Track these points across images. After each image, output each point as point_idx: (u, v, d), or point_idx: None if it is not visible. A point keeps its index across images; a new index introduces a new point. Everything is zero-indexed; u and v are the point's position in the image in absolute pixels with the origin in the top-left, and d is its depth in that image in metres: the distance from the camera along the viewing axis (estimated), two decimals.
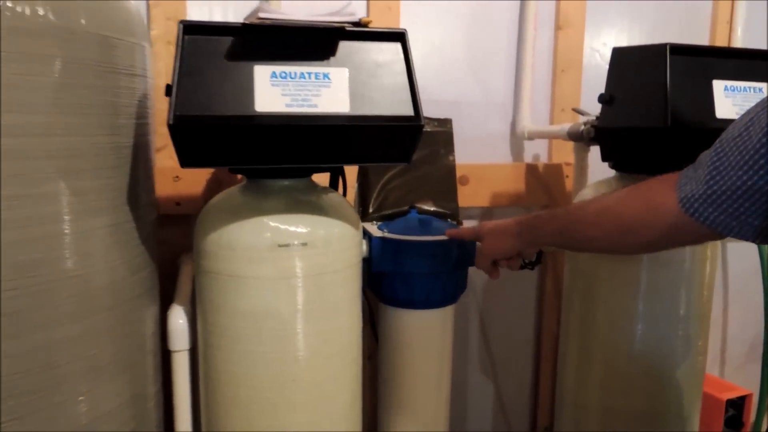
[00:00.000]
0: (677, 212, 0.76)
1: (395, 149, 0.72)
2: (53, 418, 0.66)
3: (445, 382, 1.16)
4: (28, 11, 0.61)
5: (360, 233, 0.86)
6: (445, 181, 1.25)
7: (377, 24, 0.72)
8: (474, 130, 1.33)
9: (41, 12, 0.62)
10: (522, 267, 1.15)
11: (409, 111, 0.70)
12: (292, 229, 0.77)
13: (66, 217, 0.65)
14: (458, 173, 1.27)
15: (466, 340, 1.40)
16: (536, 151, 1.38)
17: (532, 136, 1.31)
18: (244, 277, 0.77)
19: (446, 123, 1.28)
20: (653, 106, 0.80)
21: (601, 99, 0.91)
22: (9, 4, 0.59)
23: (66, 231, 0.65)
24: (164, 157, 1.11)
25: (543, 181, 1.34)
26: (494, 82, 1.33)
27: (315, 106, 0.68)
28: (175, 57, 0.63)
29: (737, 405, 1.31)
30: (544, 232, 0.92)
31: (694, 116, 0.80)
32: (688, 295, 0.95)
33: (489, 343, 1.42)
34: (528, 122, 1.31)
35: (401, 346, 1.12)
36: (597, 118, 1.03)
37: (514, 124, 1.34)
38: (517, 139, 1.35)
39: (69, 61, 0.64)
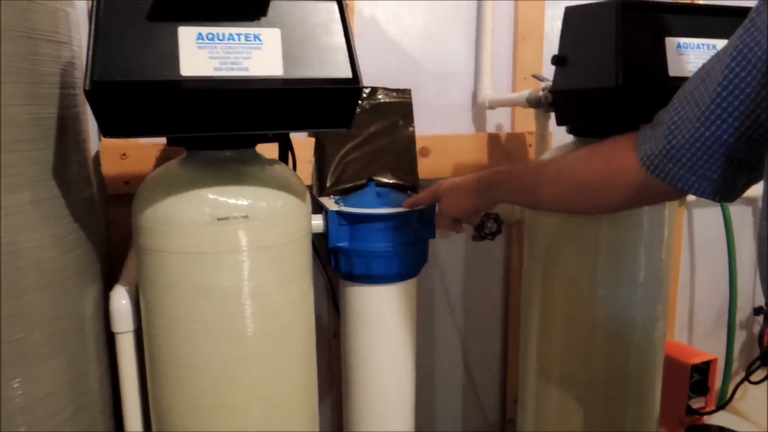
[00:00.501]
0: (638, 171, 0.75)
1: (334, 113, 0.69)
2: None
3: (409, 357, 1.14)
4: None
5: (308, 206, 0.83)
6: (404, 153, 1.22)
7: None
8: (434, 100, 1.30)
9: None
10: (483, 237, 1.14)
11: (347, 73, 0.67)
12: (232, 201, 0.74)
13: None
14: (418, 145, 1.24)
15: (432, 315, 1.39)
16: (499, 121, 1.36)
17: (493, 105, 1.28)
18: (183, 253, 0.74)
19: (405, 93, 1.25)
20: (604, 65, 0.77)
21: (554, 60, 0.88)
22: None
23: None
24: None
25: (505, 151, 1.31)
26: (454, 51, 1.30)
27: (246, 69, 0.64)
28: (91, 17, 0.59)
29: (702, 370, 1.31)
30: (502, 189, 0.91)
31: (647, 75, 0.78)
32: (647, 258, 0.94)
33: (456, 318, 1.40)
34: (489, 91, 1.28)
35: (363, 323, 1.10)
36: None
37: (475, 94, 1.32)
38: (478, 109, 1.33)
39: None
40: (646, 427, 1.01)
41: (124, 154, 1.08)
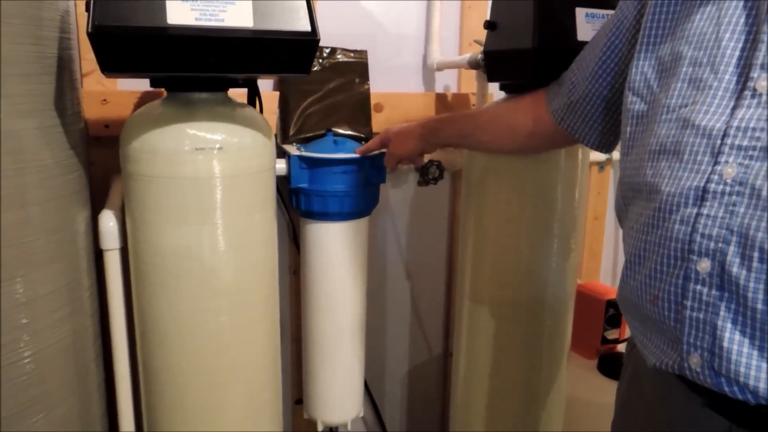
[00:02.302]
0: (551, 121, 0.92)
1: (294, 61, 0.82)
2: None
3: (361, 287, 1.30)
4: None
5: (272, 143, 0.97)
6: (360, 108, 1.36)
7: None
8: (389, 61, 1.44)
9: None
10: (427, 182, 1.29)
11: (306, 27, 0.80)
12: (209, 135, 0.87)
13: None
14: (373, 101, 1.38)
15: (385, 255, 1.54)
16: (447, 82, 1.50)
17: (441, 67, 1.42)
18: (167, 177, 0.87)
19: (362, 54, 1.38)
20: (524, 30, 0.92)
21: (485, 25, 1.03)
22: None
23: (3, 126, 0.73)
24: (92, 82, 1.18)
25: (451, 109, 1.46)
26: (408, 17, 1.43)
27: (222, 20, 0.77)
28: None
29: (616, 306, 1.50)
30: (444, 134, 1.06)
31: (559, 39, 0.93)
32: (563, 196, 1.11)
33: (405, 258, 1.56)
34: (437, 54, 1.42)
35: (320, 256, 1.25)
36: None
37: (425, 57, 1.46)
38: (428, 71, 1.47)
39: None
40: (559, 342, 1.20)
41: (105, 100, 1.19)
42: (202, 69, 0.79)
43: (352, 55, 1.38)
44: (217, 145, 0.87)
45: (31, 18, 0.76)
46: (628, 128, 0.69)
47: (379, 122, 1.39)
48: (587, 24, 0.95)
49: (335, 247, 1.24)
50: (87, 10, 0.74)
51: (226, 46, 0.78)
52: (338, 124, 1.33)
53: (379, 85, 1.41)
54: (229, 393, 0.95)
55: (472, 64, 1.25)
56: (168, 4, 0.75)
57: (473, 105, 1.47)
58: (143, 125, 0.87)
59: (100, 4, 0.72)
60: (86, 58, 1.14)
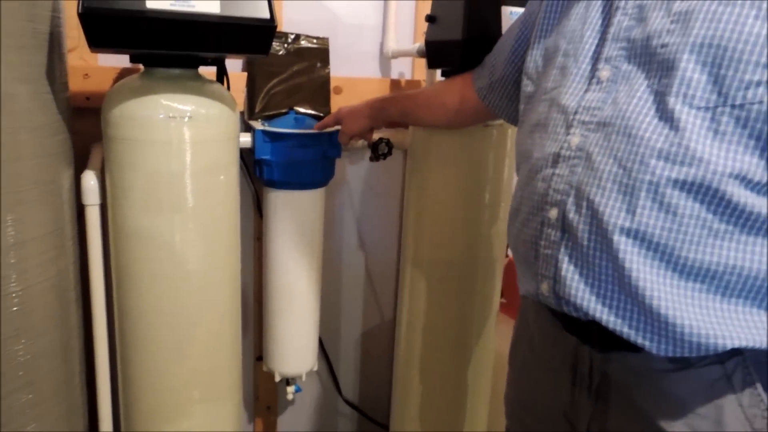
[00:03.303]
0: (475, 99, 1.07)
1: (255, 44, 0.96)
2: None
3: (317, 250, 1.44)
4: None
5: (236, 115, 1.11)
6: (320, 90, 1.50)
7: None
8: (349, 48, 1.58)
9: None
10: (377, 158, 1.44)
11: (265, 15, 0.94)
12: (180, 106, 1.01)
13: None
14: (333, 84, 1.52)
15: (342, 225, 1.69)
16: (402, 69, 1.65)
17: (395, 55, 1.57)
18: (143, 140, 1.00)
19: (324, 41, 1.52)
20: (456, 23, 1.08)
21: (426, 18, 1.18)
22: None
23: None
24: (75, 57, 1.30)
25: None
26: (367, 8, 1.57)
27: (193, 6, 0.91)
28: None
29: None
30: (388, 113, 1.22)
31: (485, 32, 1.09)
32: (493, 169, 1.27)
33: (360, 228, 1.71)
34: (393, 44, 1.57)
35: (279, 221, 1.40)
36: None
37: (382, 45, 1.60)
38: (384, 58, 1.61)
39: None
40: (488, 300, 1.36)
41: (87, 75, 1.31)
42: (174, 47, 0.93)
43: (314, 41, 1.52)
44: (188, 115, 1.01)
45: (32, 5, 0.89)
46: (522, 106, 0.84)
47: (338, 103, 1.53)
48: (511, 19, 1.11)
49: (293, 213, 1.38)
50: None
51: (196, 29, 0.91)
52: (300, 104, 1.47)
53: (339, 69, 1.55)
54: (192, 331, 1.10)
55: (421, 54, 1.40)
56: None
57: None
58: (123, 95, 1.01)
59: None
60: (70, 35, 1.26)
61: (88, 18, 0.85)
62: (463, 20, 1.06)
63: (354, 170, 1.67)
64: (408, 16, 1.62)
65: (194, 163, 1.03)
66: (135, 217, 1.04)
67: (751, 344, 0.64)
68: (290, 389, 1.56)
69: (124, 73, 1.33)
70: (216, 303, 1.12)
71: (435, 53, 1.20)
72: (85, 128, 1.32)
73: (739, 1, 0.60)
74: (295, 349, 1.48)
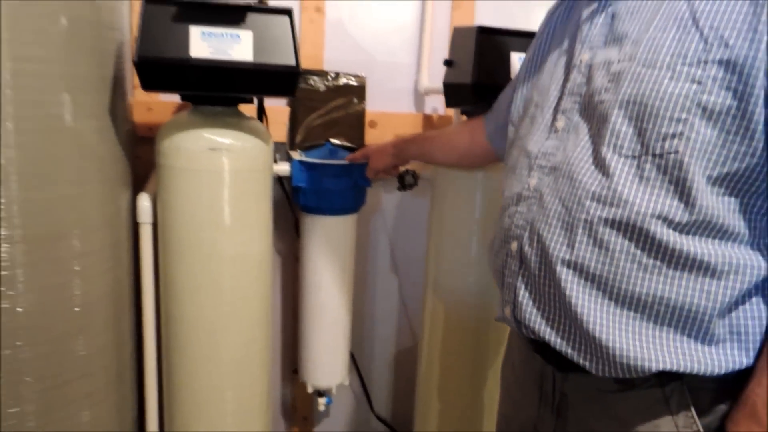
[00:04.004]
0: (485, 143, 1.17)
1: (283, 86, 1.11)
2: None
3: (348, 271, 1.56)
4: None
5: (270, 148, 1.25)
6: (356, 124, 1.64)
7: None
8: (385, 85, 1.71)
9: None
10: (404, 188, 1.56)
11: (292, 62, 1.08)
12: (220, 139, 1.16)
13: (68, 116, 1.03)
14: (369, 119, 1.66)
15: (376, 249, 1.81)
16: (435, 105, 1.77)
17: (428, 92, 1.69)
18: (188, 169, 1.16)
19: (361, 78, 1.66)
20: (467, 68, 1.19)
21: (445, 63, 1.29)
22: None
23: (68, 126, 1.03)
24: (141, 93, 1.50)
25: (435, 128, 1.72)
26: (401, 48, 1.71)
27: (229, 55, 1.06)
28: (139, 18, 1.01)
29: None
30: (409, 152, 1.33)
31: (493, 77, 1.19)
32: None
33: (393, 251, 1.82)
34: (426, 81, 1.69)
35: (314, 243, 1.53)
36: None
37: (416, 83, 1.73)
38: (418, 94, 1.73)
39: (71, 18, 1.02)
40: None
41: (150, 108, 1.50)
42: (213, 89, 1.08)
43: (353, 78, 1.66)
44: (226, 147, 1.16)
45: (97, 49, 1.07)
46: (506, 150, 0.94)
47: (373, 136, 1.66)
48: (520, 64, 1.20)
49: (326, 236, 1.51)
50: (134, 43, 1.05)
51: (232, 74, 1.07)
52: (336, 136, 1.61)
53: (375, 104, 1.69)
54: (225, 337, 1.23)
55: None
56: (191, 42, 1.04)
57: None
58: (172, 129, 1.17)
59: (143, 40, 1.02)
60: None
61: (141, 65, 1.02)
62: (473, 66, 1.16)
63: (388, 198, 1.79)
64: (441, 54, 1.73)
65: (231, 189, 1.18)
66: (180, 235, 1.19)
67: (676, 368, 0.70)
68: (322, 400, 1.67)
69: (181, 108, 1.52)
70: (247, 313, 1.25)
71: (451, 94, 1.31)
72: (147, 155, 1.51)
73: (658, 66, 0.68)
74: (325, 363, 1.59)
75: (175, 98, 1.52)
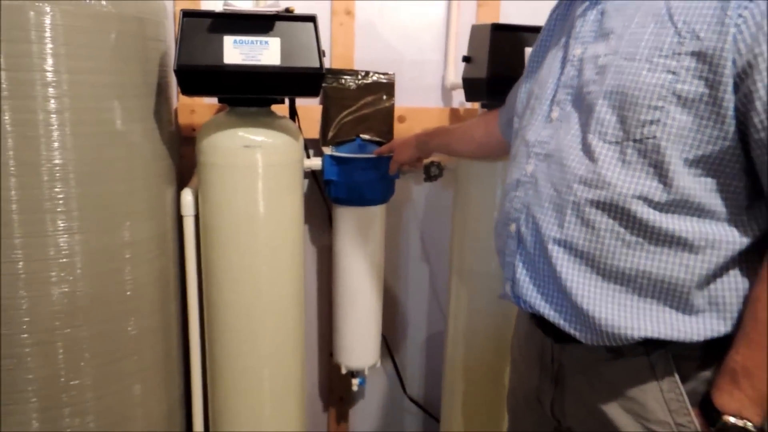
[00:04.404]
0: (498, 135, 1.24)
1: (308, 87, 1.20)
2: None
3: (378, 259, 1.65)
4: (92, 2, 1.10)
5: (300, 144, 1.35)
6: (385, 119, 1.72)
7: None
8: (414, 81, 1.78)
9: (104, 3, 1.11)
10: (430, 179, 1.63)
11: (315, 64, 1.17)
12: (254, 137, 1.26)
13: (118, 121, 1.15)
14: (397, 114, 1.73)
15: (408, 238, 1.89)
16: (462, 99, 1.83)
17: (454, 87, 1.75)
18: (225, 165, 1.27)
19: (390, 76, 1.74)
20: (482, 63, 1.25)
21: (463, 59, 1.36)
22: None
23: (119, 129, 1.15)
24: (184, 97, 1.61)
25: (461, 121, 1.78)
26: (429, 45, 1.77)
27: (259, 60, 1.16)
28: (178, 30, 1.12)
29: None
30: (431, 145, 1.41)
31: (507, 71, 1.25)
32: None
33: (424, 239, 1.90)
34: (452, 77, 1.75)
35: (345, 233, 1.62)
36: None
37: (444, 78, 1.79)
38: (446, 90, 1.80)
39: (119, 33, 1.13)
40: None
41: (193, 111, 1.62)
42: (246, 92, 1.18)
43: (383, 76, 1.74)
44: (259, 144, 1.26)
45: (143, 59, 1.19)
46: (512, 140, 1.00)
47: (402, 130, 1.74)
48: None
49: (356, 226, 1.60)
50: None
51: (262, 77, 1.17)
52: (366, 131, 1.69)
53: (404, 100, 1.76)
54: (263, 320, 1.34)
55: None
56: (224, 49, 1.14)
57: None
58: (211, 129, 1.28)
59: (182, 50, 1.13)
60: None
61: (180, 73, 1.13)
62: (488, 61, 1.23)
63: (418, 190, 1.87)
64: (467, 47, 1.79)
65: (265, 183, 1.28)
66: (219, 226, 1.30)
67: (657, 336, 0.76)
68: (355, 381, 1.76)
69: (221, 109, 1.63)
70: (282, 298, 1.36)
71: (469, 89, 1.37)
72: (191, 154, 1.63)
73: (637, 58, 0.74)
74: (357, 345, 1.69)
75: (215, 101, 1.64)
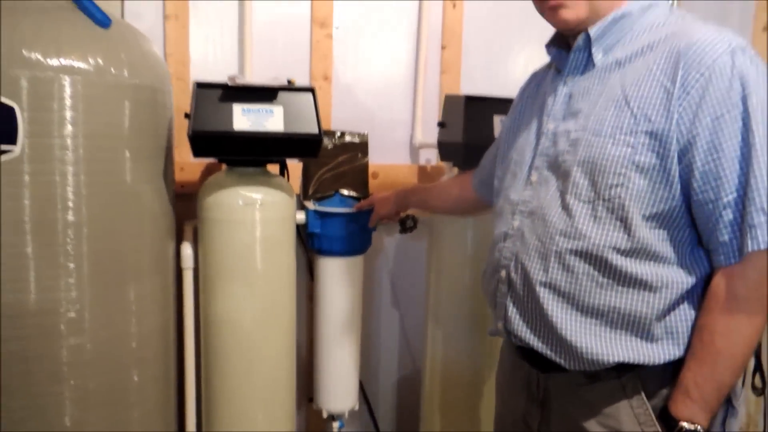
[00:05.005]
0: (473, 193, 1.40)
1: (308, 149, 1.34)
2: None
3: (357, 306, 1.76)
4: (113, 71, 1.21)
5: (294, 200, 1.47)
6: (360, 176, 1.86)
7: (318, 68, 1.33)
8: (385, 139, 1.94)
9: (125, 73, 1.21)
10: (405, 231, 1.78)
11: (315, 130, 1.31)
12: (253, 195, 1.38)
13: (130, 182, 1.24)
14: (371, 170, 1.89)
15: (380, 285, 2.01)
16: (429, 156, 2.00)
17: (422, 146, 1.93)
18: (227, 220, 1.37)
19: (364, 136, 1.89)
20: (457, 129, 1.43)
21: (438, 124, 1.54)
22: (112, 70, 1.19)
23: (131, 190, 1.24)
24: (175, 155, 1.71)
25: (429, 177, 1.96)
26: (398, 107, 1.95)
27: (265, 126, 1.29)
28: (192, 100, 1.24)
29: None
30: (409, 201, 1.56)
31: (480, 136, 1.43)
32: None
33: (395, 286, 2.03)
34: (420, 136, 1.93)
35: (326, 281, 1.73)
36: None
37: (411, 137, 1.97)
38: (414, 148, 1.97)
39: (134, 102, 1.24)
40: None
41: (182, 168, 1.72)
42: (252, 154, 1.31)
43: (356, 136, 1.89)
44: (258, 202, 1.38)
45: (153, 125, 1.29)
46: (494, 199, 1.17)
47: (375, 186, 1.89)
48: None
49: (337, 275, 1.72)
50: (186, 117, 1.27)
51: (267, 141, 1.29)
52: (344, 187, 1.83)
53: (376, 157, 1.92)
54: (258, 364, 1.43)
55: None
56: (234, 117, 1.27)
57: (445, 174, 1.96)
58: (213, 187, 1.39)
59: (196, 117, 1.24)
60: None
61: (194, 138, 1.24)
62: (463, 128, 1.41)
63: (390, 240, 2.01)
64: (431, 111, 1.98)
65: (262, 236, 1.39)
66: (219, 276, 1.40)
67: (628, 360, 0.92)
68: (335, 424, 1.84)
69: (209, 167, 1.74)
70: (275, 341, 1.45)
71: (445, 151, 1.55)
72: (180, 209, 1.72)
73: (603, 135, 0.92)
74: (338, 389, 1.78)
75: (202, 159, 1.74)
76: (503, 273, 1.04)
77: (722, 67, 0.86)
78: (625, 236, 0.91)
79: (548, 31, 1.07)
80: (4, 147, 1.09)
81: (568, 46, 1.03)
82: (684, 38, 0.89)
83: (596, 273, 0.93)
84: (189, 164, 1.72)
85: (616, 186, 0.90)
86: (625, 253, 0.91)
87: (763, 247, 0.85)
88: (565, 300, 0.95)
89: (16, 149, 1.11)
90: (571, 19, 0.97)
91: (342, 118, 1.88)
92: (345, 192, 1.82)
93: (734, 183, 0.86)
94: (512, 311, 1.02)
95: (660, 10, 0.97)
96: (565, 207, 0.95)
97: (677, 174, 0.89)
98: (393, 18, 1.90)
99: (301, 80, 1.80)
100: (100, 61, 1.17)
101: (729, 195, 0.87)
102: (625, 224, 0.91)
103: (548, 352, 0.98)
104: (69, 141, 1.17)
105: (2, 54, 1.09)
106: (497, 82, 2.01)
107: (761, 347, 1.47)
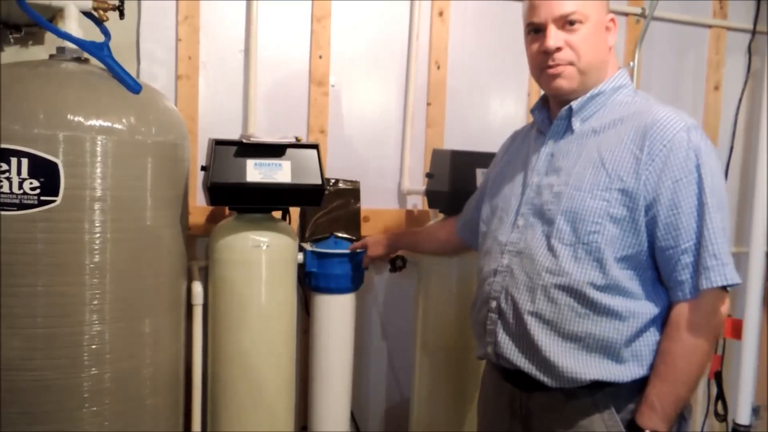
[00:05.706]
0: (458, 237, 1.57)
1: (311, 199, 1.50)
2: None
3: (349, 341, 1.90)
4: (143, 129, 1.36)
5: (296, 243, 1.63)
6: (353, 220, 2.03)
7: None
8: (375, 186, 2.11)
9: (153, 131, 1.37)
10: (395, 270, 1.94)
11: (318, 182, 1.48)
12: (260, 239, 1.53)
13: (152, 228, 1.38)
14: (363, 214, 2.05)
15: (370, 320, 2.16)
16: (415, 202, 2.18)
17: (410, 193, 2.11)
18: (236, 261, 1.52)
19: (356, 183, 2.07)
20: (443, 179, 1.60)
21: (426, 175, 1.72)
22: (142, 129, 1.35)
23: (152, 234, 1.39)
24: None
25: (416, 221, 2.13)
26: (387, 156, 2.13)
27: (275, 179, 1.45)
28: (210, 155, 1.40)
29: None
30: (400, 244, 1.73)
31: (463, 186, 1.61)
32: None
33: (384, 321, 2.18)
34: (407, 184, 2.11)
35: (322, 317, 1.87)
36: None
37: (399, 185, 2.14)
38: (402, 194, 2.15)
39: (157, 156, 1.39)
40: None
41: (189, 213, 1.87)
42: (262, 203, 1.47)
43: (349, 184, 2.06)
44: (265, 245, 1.53)
45: (173, 176, 1.45)
46: (479, 240, 1.34)
47: (366, 229, 2.05)
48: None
49: (332, 311, 1.86)
50: (202, 170, 1.43)
51: (276, 192, 1.46)
52: (338, 230, 1.99)
53: (367, 202, 2.08)
54: (263, 392, 1.56)
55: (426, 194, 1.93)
56: (247, 170, 1.43)
57: (431, 219, 2.14)
58: (224, 231, 1.54)
59: (214, 170, 1.40)
60: None
61: (212, 189, 1.40)
62: (449, 179, 1.59)
63: (379, 279, 2.17)
64: (418, 160, 2.16)
65: (267, 275, 1.54)
66: (228, 311, 1.54)
67: (601, 378, 1.09)
68: None
69: (214, 212, 1.89)
70: (278, 372, 1.59)
71: (432, 199, 1.73)
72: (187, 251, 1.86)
73: (582, 189, 1.11)
74: (332, 421, 1.90)
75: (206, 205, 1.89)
76: (493, 303, 1.20)
77: (680, 141, 1.06)
78: (601, 274, 1.09)
79: (520, 94, 1.26)
80: (48, 198, 1.24)
81: (548, 108, 1.23)
82: (649, 116, 1.10)
83: (576, 304, 1.10)
84: (196, 208, 1.87)
85: (594, 232, 1.09)
86: (600, 288, 1.09)
87: (715, 285, 1.05)
88: (549, 327, 1.12)
89: (58, 200, 1.25)
90: (565, 88, 1.17)
91: (336, 167, 2.05)
92: (339, 234, 1.99)
93: (691, 233, 1.06)
94: (502, 336, 1.18)
95: (627, 90, 1.19)
96: (551, 248, 1.13)
97: (644, 224, 1.08)
98: (383, 77, 2.10)
99: (299, 132, 1.97)
100: (132, 121, 1.33)
101: (687, 242, 1.06)
102: (601, 264, 1.09)
103: (533, 372, 1.14)
104: (98, 192, 1.31)
105: (48, 116, 1.25)
106: (475, 136, 2.21)
107: (721, 377, 1.65)
